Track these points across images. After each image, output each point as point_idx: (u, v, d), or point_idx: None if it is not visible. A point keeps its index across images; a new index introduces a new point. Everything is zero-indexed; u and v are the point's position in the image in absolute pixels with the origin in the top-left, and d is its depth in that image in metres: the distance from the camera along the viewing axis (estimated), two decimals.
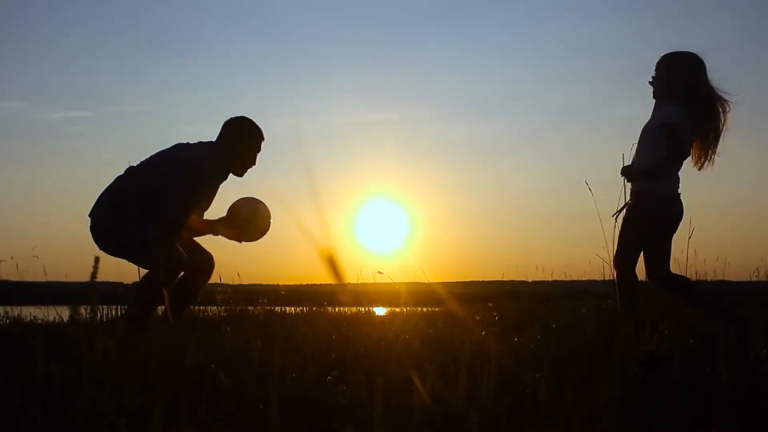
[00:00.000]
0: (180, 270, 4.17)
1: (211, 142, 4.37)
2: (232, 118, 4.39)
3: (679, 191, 3.90)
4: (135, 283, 4.18)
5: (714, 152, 3.85)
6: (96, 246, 4.23)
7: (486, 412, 1.63)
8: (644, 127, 3.96)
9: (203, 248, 4.47)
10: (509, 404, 1.70)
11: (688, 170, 3.99)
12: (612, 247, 4.21)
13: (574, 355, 2.79)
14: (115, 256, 4.20)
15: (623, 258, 3.90)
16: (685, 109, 3.78)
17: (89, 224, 4.25)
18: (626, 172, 3.94)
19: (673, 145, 3.77)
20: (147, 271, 4.11)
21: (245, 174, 4.40)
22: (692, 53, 3.93)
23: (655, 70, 3.98)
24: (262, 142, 4.39)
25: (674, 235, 3.94)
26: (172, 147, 4.33)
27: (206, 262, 4.45)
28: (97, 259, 1.86)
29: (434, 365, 1.77)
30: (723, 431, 1.84)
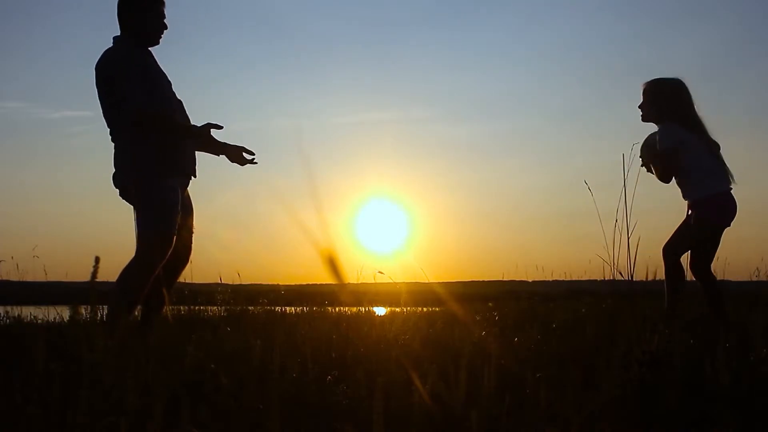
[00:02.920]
0: (170, 249, 3.75)
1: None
2: None
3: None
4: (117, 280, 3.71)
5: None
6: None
7: (486, 412, 1.63)
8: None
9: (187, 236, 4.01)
10: (509, 404, 1.69)
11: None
12: (612, 248, 4.23)
13: (574, 355, 2.79)
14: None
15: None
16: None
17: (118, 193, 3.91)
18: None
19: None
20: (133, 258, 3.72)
21: (161, 40, 4.05)
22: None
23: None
24: (164, 8, 4.06)
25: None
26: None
27: (185, 251, 3.98)
28: (97, 259, 1.86)
29: (434, 365, 1.76)
30: (723, 431, 1.84)
